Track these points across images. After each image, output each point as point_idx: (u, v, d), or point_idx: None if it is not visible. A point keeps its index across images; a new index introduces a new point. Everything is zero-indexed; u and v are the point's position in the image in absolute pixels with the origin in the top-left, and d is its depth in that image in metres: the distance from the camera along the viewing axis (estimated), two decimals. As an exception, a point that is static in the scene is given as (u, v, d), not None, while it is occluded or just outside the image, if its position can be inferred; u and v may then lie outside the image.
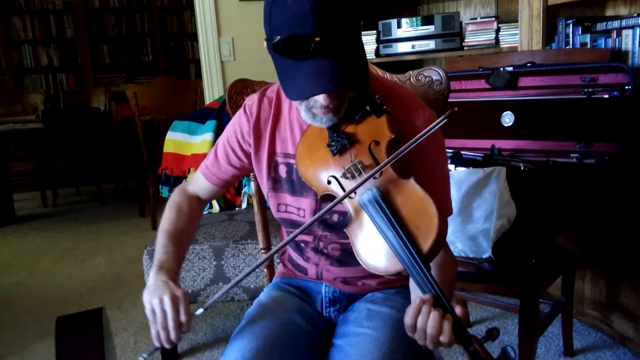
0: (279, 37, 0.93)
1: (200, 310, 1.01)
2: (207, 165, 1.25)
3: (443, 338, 0.84)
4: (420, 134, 0.96)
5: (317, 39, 0.90)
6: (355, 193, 0.97)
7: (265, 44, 1.00)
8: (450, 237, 1.74)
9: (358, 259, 0.95)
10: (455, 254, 1.75)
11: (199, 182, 1.26)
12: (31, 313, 2.65)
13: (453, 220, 1.75)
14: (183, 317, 0.98)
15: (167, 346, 0.99)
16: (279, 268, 1.33)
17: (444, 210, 0.93)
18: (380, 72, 1.35)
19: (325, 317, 1.20)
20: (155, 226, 3.89)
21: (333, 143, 1.03)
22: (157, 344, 1.00)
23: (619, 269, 1.95)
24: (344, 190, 1.00)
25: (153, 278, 1.04)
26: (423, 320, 0.85)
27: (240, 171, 1.23)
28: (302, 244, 1.18)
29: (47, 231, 4.10)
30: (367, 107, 1.03)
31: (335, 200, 0.97)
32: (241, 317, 1.19)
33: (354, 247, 0.96)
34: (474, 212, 1.73)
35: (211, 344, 2.24)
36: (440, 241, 0.90)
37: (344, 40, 0.93)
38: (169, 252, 1.10)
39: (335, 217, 1.12)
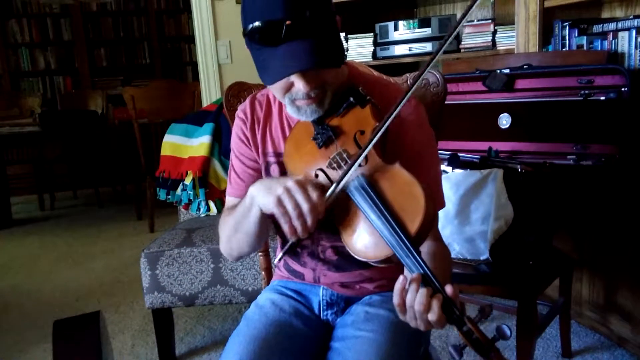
0: (251, 25, 0.95)
1: (332, 188, 0.96)
2: (232, 186, 1.23)
3: (431, 316, 0.83)
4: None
5: (287, 23, 0.92)
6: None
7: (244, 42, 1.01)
8: (447, 239, 1.74)
9: (347, 248, 0.95)
10: (452, 255, 1.76)
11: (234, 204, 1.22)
12: (28, 317, 2.65)
13: (450, 222, 1.75)
14: (315, 196, 0.92)
15: (304, 236, 0.93)
16: (276, 271, 1.33)
17: (434, 197, 0.94)
18: (376, 73, 1.35)
19: (323, 320, 1.19)
20: (152, 229, 3.89)
21: (318, 136, 1.04)
22: (293, 239, 0.95)
23: (616, 270, 1.95)
24: (330, 181, 1.00)
25: (258, 184, 0.99)
26: (411, 297, 0.85)
27: (261, 174, 1.21)
28: (299, 249, 1.18)
29: (45, 234, 4.09)
30: (351, 99, 1.04)
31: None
32: (239, 319, 1.19)
33: (342, 236, 0.96)
34: (471, 214, 1.74)
35: (209, 347, 2.24)
36: (428, 223, 0.90)
37: (315, 23, 0.94)
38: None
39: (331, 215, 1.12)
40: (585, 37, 2.04)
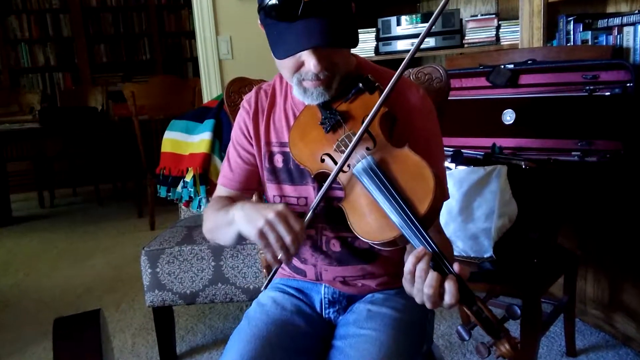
0: (268, 0, 0.96)
1: (309, 215, 1.00)
2: (224, 175, 1.24)
3: (448, 298, 0.83)
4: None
5: (305, 0, 0.93)
6: (349, 166, 0.99)
7: (258, 18, 1.02)
8: (450, 236, 1.73)
9: (353, 231, 0.95)
10: (456, 253, 1.74)
11: (223, 194, 1.24)
12: (29, 315, 2.64)
13: (454, 220, 1.73)
14: (297, 227, 0.94)
15: (289, 261, 1.00)
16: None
17: (441, 183, 0.95)
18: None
19: (325, 319, 1.18)
20: (153, 227, 3.87)
21: (326, 121, 1.05)
22: (276, 265, 0.97)
23: (621, 268, 1.94)
24: (337, 164, 1.01)
25: (240, 210, 1.01)
26: (421, 268, 0.85)
27: (255, 168, 1.21)
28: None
29: (44, 232, 4.08)
30: (360, 85, 1.05)
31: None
32: (240, 318, 1.18)
33: (349, 220, 0.97)
34: (475, 211, 1.72)
35: (210, 346, 2.22)
36: (437, 205, 0.91)
37: (331, 2, 0.95)
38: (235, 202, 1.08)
39: (335, 203, 1.11)
40: (590, 32, 2.03)
